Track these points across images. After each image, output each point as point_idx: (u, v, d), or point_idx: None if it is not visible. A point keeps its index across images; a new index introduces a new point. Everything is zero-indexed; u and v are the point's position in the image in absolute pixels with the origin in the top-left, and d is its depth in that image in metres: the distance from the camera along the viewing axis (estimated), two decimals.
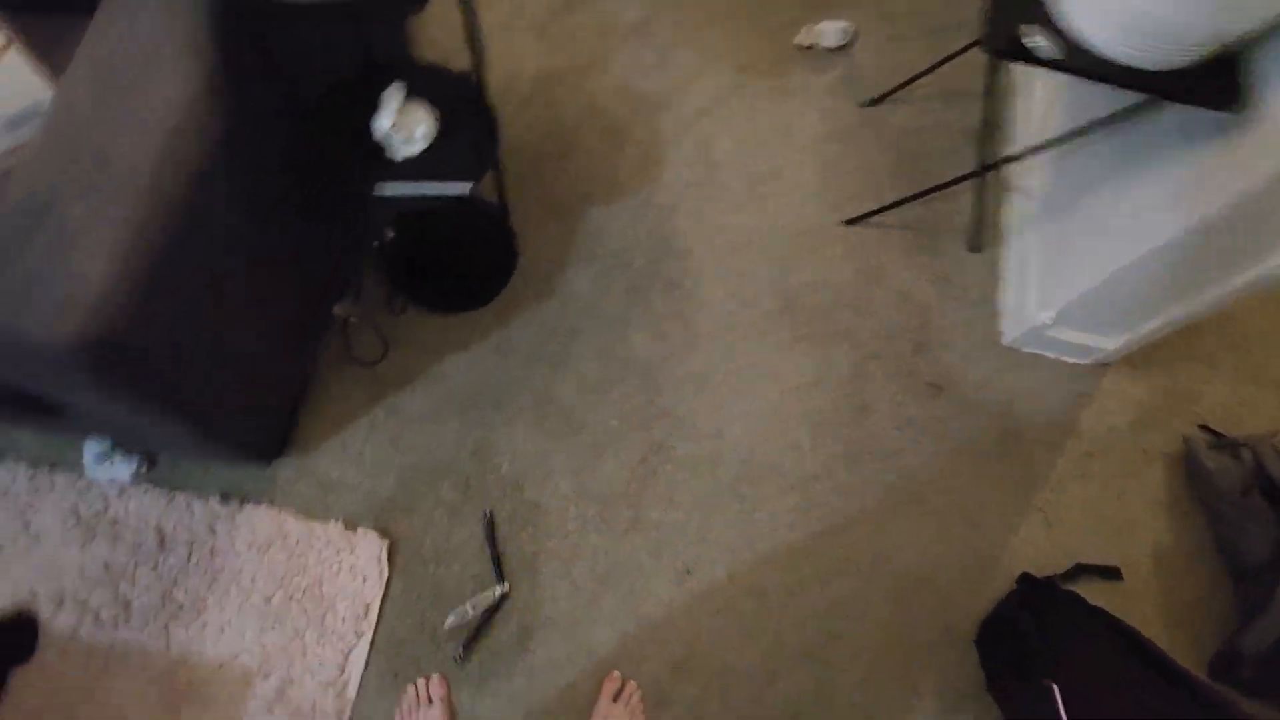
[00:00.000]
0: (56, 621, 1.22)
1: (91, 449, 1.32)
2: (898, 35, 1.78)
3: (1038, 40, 1.05)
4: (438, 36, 1.58)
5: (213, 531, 1.29)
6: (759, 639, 1.28)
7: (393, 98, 1.12)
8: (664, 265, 1.55)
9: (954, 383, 1.46)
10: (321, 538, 1.29)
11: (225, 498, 1.32)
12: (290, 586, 1.25)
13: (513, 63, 1.73)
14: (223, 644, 1.22)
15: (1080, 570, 1.33)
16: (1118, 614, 1.16)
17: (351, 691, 1.20)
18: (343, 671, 1.21)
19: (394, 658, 1.24)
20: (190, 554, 1.27)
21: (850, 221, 1.59)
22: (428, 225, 1.45)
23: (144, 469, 1.33)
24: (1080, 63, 1.04)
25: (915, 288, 1.54)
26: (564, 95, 1.71)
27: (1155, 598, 1.33)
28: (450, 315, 1.49)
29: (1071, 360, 1.48)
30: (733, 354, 1.48)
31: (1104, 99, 1.15)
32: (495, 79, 1.67)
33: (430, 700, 1.16)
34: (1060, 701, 1.03)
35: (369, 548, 1.28)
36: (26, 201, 0.85)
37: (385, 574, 1.27)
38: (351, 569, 1.27)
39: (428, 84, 1.17)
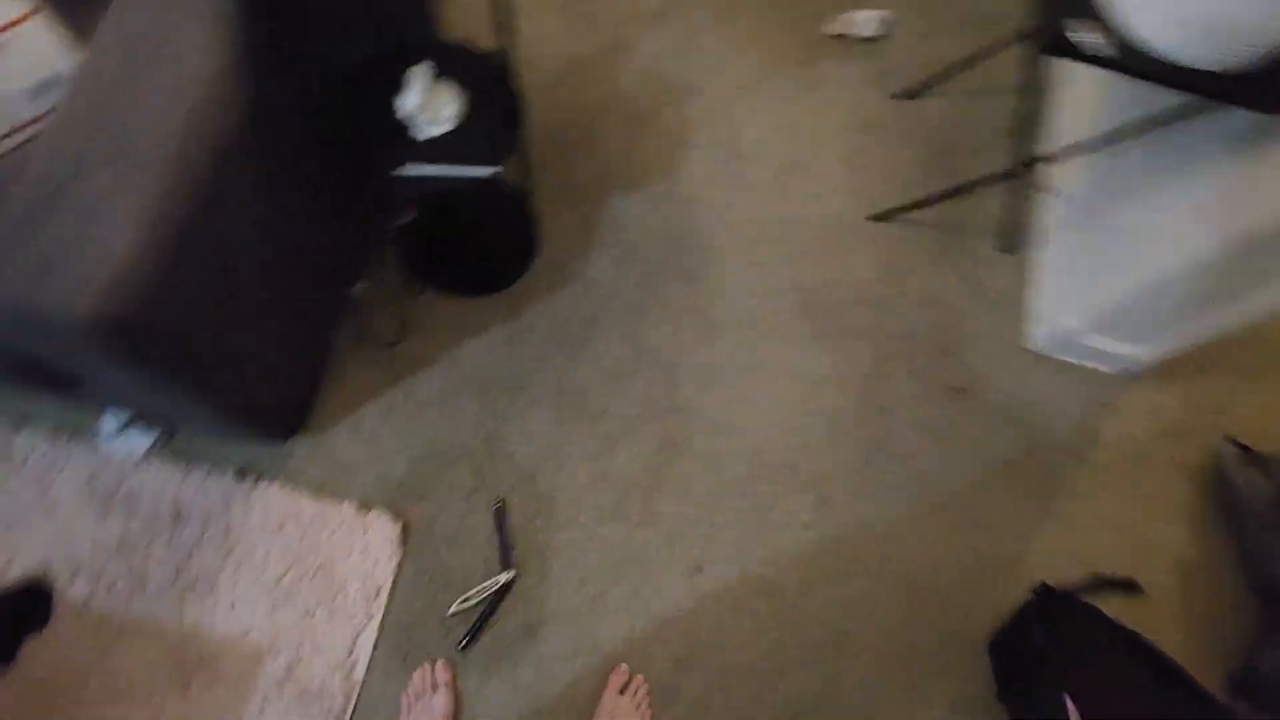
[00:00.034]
0: (71, 591, 1.23)
1: (110, 421, 1.32)
2: (934, 26, 1.73)
3: (1086, 36, 1.01)
4: (463, 15, 1.56)
5: (227, 508, 1.29)
6: (767, 636, 1.27)
7: (420, 77, 1.10)
8: (685, 256, 1.53)
9: (977, 386, 1.44)
10: (334, 518, 1.29)
11: (241, 474, 1.32)
12: (302, 566, 1.26)
13: (538, 44, 1.70)
14: (234, 620, 1.22)
15: (1099, 582, 1.30)
16: (1136, 628, 1.14)
17: (359, 673, 1.20)
18: (351, 653, 1.21)
19: (403, 641, 1.24)
20: (204, 529, 1.27)
21: (877, 217, 1.56)
22: (449, 207, 1.43)
23: (161, 442, 1.34)
24: (1131, 61, 1.00)
25: (941, 288, 1.51)
26: (589, 79, 1.68)
27: (1175, 613, 1.30)
28: (469, 299, 1.48)
29: (1100, 368, 1.44)
30: (751, 348, 1.46)
31: (1149, 100, 1.11)
32: (520, 60, 1.64)
33: (435, 686, 1.17)
34: (1074, 714, 1.01)
35: (381, 530, 1.28)
36: (48, 173, 0.84)
37: (397, 557, 1.27)
38: (363, 551, 1.27)
39: (454, 64, 1.15)
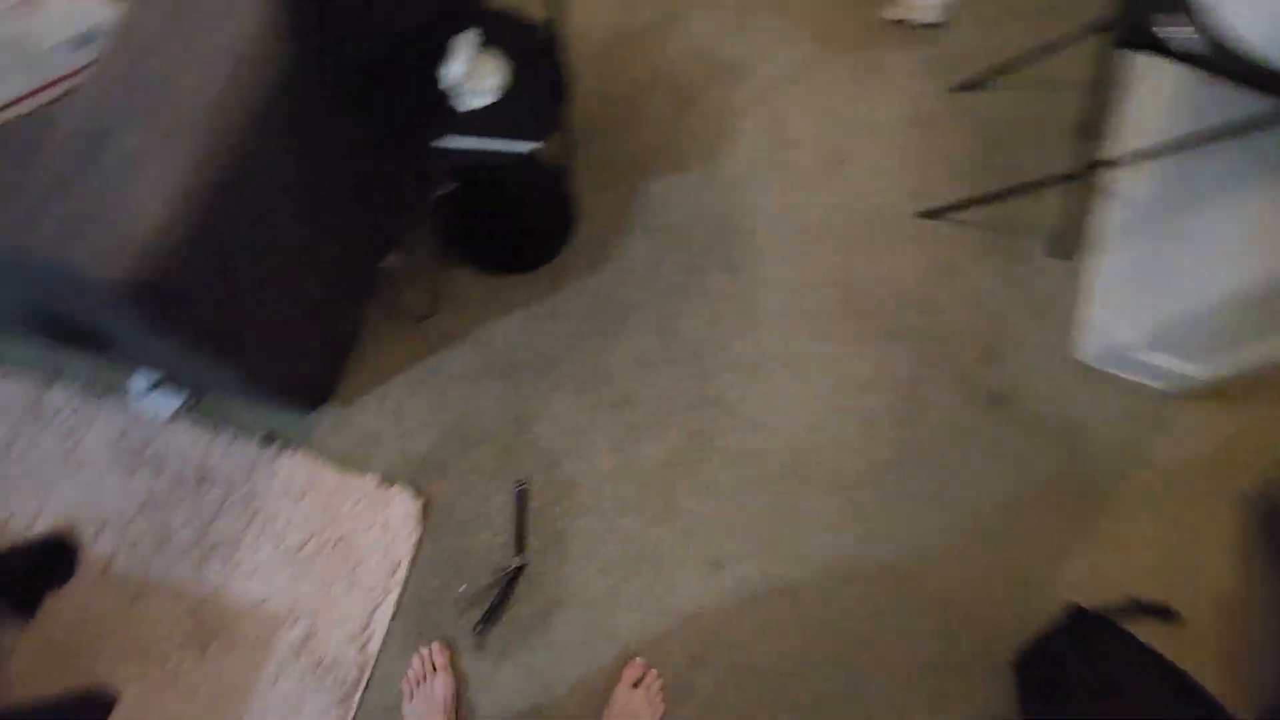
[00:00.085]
0: (95, 547, 1.24)
1: (140, 380, 1.32)
2: (1000, 14, 1.65)
3: (1175, 32, 0.95)
4: None
5: (251, 473, 1.29)
6: (786, 639, 1.24)
7: (466, 45, 1.06)
8: (724, 244, 1.48)
9: (1020, 396, 1.38)
10: (356, 491, 1.28)
11: (266, 441, 1.32)
12: (322, 537, 1.25)
13: (585, 16, 1.65)
14: (253, 587, 1.22)
15: (1134, 607, 1.26)
16: (1169, 655, 1.10)
17: (374, 647, 1.20)
18: (367, 627, 1.21)
19: (418, 618, 1.24)
20: (228, 494, 1.27)
21: (926, 214, 1.50)
22: (487, 182, 1.40)
23: (189, 404, 1.34)
24: (1221, 61, 0.93)
25: (989, 291, 1.45)
26: (636, 56, 1.63)
27: (1210, 643, 1.25)
28: (502, 277, 1.45)
29: (1151, 384, 1.38)
30: (787, 343, 1.42)
31: (1233, 105, 1.04)
32: (566, 33, 1.59)
33: (435, 669, 1.16)
34: None
35: (402, 505, 1.27)
36: (85, 128, 0.82)
37: (416, 534, 1.26)
38: (384, 525, 1.26)
39: (501, 33, 1.11)
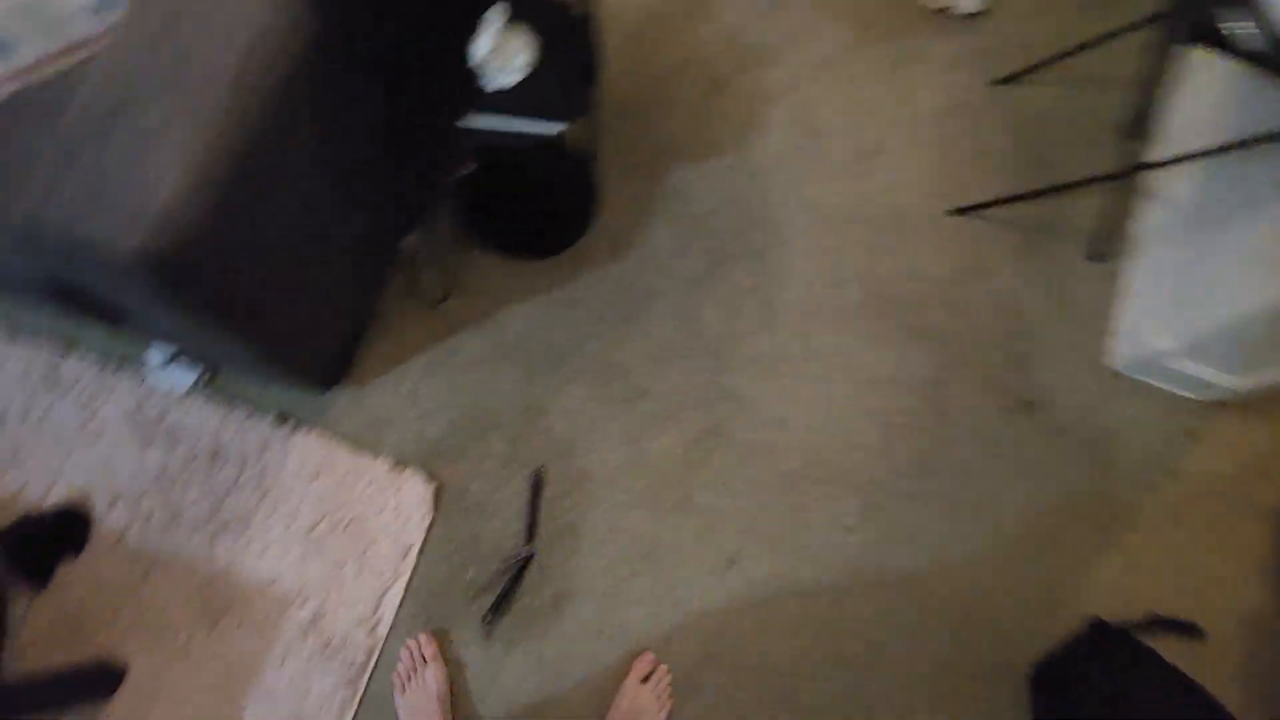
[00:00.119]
0: (108, 520, 1.24)
1: (156, 354, 1.32)
2: (1043, 6, 1.59)
3: (1240, 27, 0.90)
4: None
5: (264, 452, 1.28)
6: (796, 639, 1.22)
7: (494, 21, 1.03)
8: (748, 235, 1.45)
9: (1048, 402, 1.34)
10: (368, 473, 1.27)
11: (280, 419, 1.31)
12: (334, 518, 1.24)
13: None
14: (264, 565, 1.22)
15: (1157, 622, 1.23)
16: (1191, 673, 1.07)
17: (383, 630, 1.19)
18: (376, 610, 1.20)
19: (427, 603, 1.23)
20: (241, 471, 1.27)
21: (959, 211, 1.45)
22: (510, 164, 1.37)
23: (205, 380, 1.33)
24: None
25: (1020, 293, 1.41)
26: (665, 39, 1.59)
27: (1234, 663, 1.22)
28: (521, 261, 1.43)
29: (1185, 394, 1.34)
30: (809, 340, 1.39)
31: None
32: (598, 12, 1.56)
33: (425, 660, 1.15)
34: None
35: (415, 490, 1.26)
36: (104, 97, 0.80)
37: (428, 519, 1.25)
38: (395, 509, 1.25)
39: (529, 9, 1.08)
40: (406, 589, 1.23)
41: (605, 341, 1.38)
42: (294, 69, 0.89)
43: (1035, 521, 1.28)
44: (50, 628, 1.17)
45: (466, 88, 1.06)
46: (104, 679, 1.14)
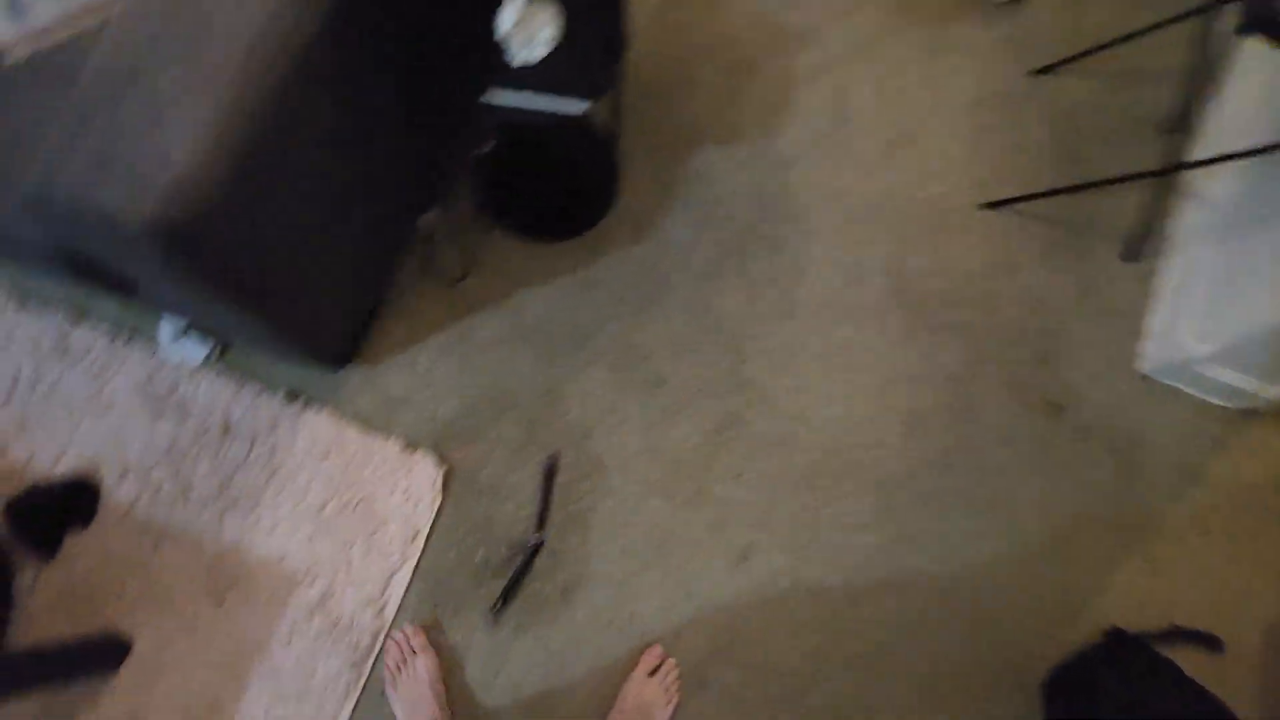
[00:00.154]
0: (118, 492, 1.23)
1: (167, 327, 1.30)
2: None
3: None
4: None
5: (275, 429, 1.26)
6: (808, 637, 1.21)
7: None
8: (772, 223, 1.41)
9: (1075, 404, 1.31)
10: (379, 454, 1.25)
11: (291, 397, 1.29)
12: (343, 498, 1.23)
13: None
14: (272, 543, 1.21)
15: (1177, 633, 1.20)
16: (1210, 686, 1.06)
17: (390, 613, 1.18)
18: (384, 592, 1.19)
19: (435, 588, 1.21)
20: (251, 448, 1.25)
21: (990, 205, 1.41)
22: (532, 141, 1.33)
23: (216, 354, 1.31)
24: None
25: (1051, 291, 1.37)
26: (694, 17, 1.54)
27: (1255, 677, 1.20)
28: (539, 242, 1.40)
29: (1216, 401, 1.30)
30: (830, 332, 1.35)
31: None
32: None
33: (414, 651, 1.14)
34: None
35: (425, 472, 1.24)
36: (118, 63, 0.78)
37: (438, 501, 1.24)
38: (405, 491, 1.23)
39: None
40: (415, 572, 1.21)
41: (626, 323, 1.35)
42: (313, 39, 0.86)
43: (1056, 525, 1.26)
44: (57, 598, 1.17)
45: (490, 62, 1.02)
46: (110, 652, 1.14)
